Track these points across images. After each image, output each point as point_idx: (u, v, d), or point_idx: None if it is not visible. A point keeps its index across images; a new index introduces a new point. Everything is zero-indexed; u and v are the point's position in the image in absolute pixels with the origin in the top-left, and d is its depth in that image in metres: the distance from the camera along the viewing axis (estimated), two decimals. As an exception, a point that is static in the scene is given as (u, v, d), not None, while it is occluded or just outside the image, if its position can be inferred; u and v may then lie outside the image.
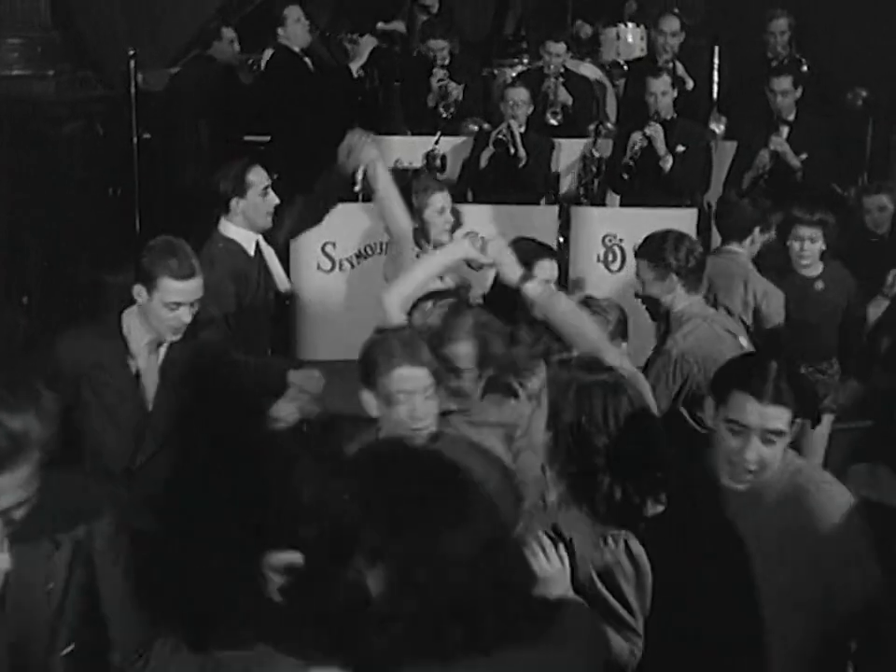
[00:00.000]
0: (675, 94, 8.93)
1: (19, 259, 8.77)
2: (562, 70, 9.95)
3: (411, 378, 3.87)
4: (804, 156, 8.39)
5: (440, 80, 9.99)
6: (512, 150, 8.84)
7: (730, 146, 9.56)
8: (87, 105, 9.92)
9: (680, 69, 9.77)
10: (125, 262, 9.08)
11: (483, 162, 8.99)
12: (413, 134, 10.01)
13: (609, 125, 10.03)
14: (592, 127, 10.03)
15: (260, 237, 5.91)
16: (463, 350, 4.27)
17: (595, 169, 9.39)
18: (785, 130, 8.47)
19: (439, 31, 10.43)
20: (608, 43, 10.93)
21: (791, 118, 8.50)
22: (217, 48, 10.10)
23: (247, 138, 10.00)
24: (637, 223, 8.35)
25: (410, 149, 9.86)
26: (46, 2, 9.65)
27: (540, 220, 8.56)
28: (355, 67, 9.09)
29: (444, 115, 9.93)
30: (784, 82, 8.58)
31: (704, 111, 10.00)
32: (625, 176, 8.76)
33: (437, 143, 9.39)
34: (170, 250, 4.72)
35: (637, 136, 8.72)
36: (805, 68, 9.38)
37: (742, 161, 8.66)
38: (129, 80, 9.04)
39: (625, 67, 9.89)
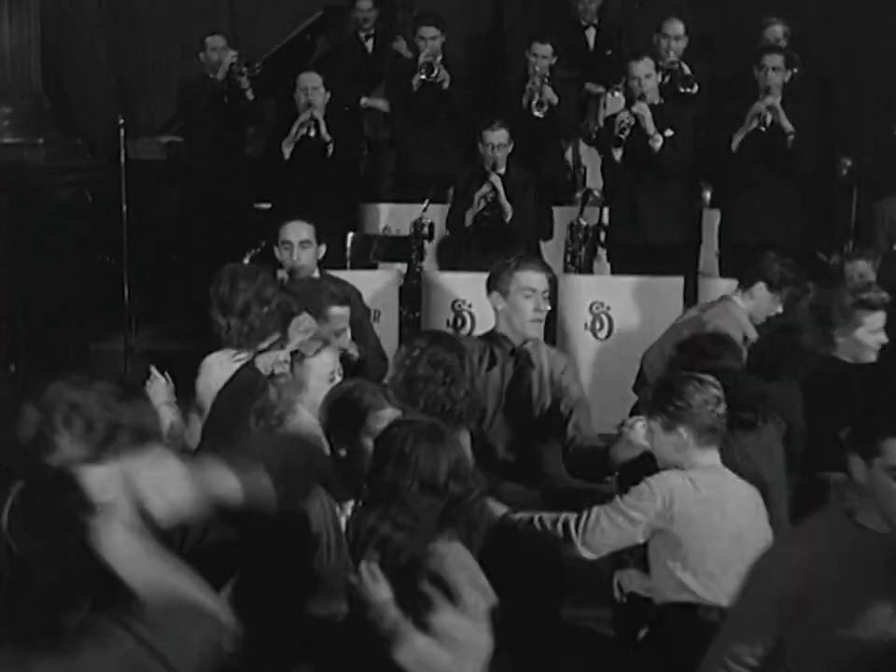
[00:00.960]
0: (660, 79, 9.05)
1: (5, 326, 8.76)
2: (547, 73, 9.94)
3: None
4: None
5: (426, 56, 9.99)
6: (497, 206, 8.83)
7: (717, 213, 9.62)
8: (76, 173, 9.96)
9: (686, 70, 9.84)
10: (113, 330, 9.18)
11: (468, 221, 8.94)
12: (401, 202, 10.05)
13: (596, 193, 10.06)
14: (579, 195, 10.07)
15: None
16: None
17: (582, 237, 9.42)
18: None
19: (430, 18, 10.37)
20: (592, 111, 10.98)
21: (779, 99, 8.63)
22: None
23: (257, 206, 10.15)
24: (625, 291, 8.40)
25: (397, 217, 9.91)
26: (36, 70, 9.71)
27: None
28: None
29: (427, 77, 9.95)
30: (776, 59, 8.71)
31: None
32: (615, 155, 8.78)
33: (425, 210, 9.41)
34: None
35: (623, 115, 8.76)
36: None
37: (732, 124, 8.77)
38: (118, 149, 9.06)
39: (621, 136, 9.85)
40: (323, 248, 6.89)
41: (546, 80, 9.85)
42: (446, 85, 10.03)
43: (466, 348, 5.51)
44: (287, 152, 9.03)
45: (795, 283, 6.72)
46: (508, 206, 8.84)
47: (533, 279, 6.01)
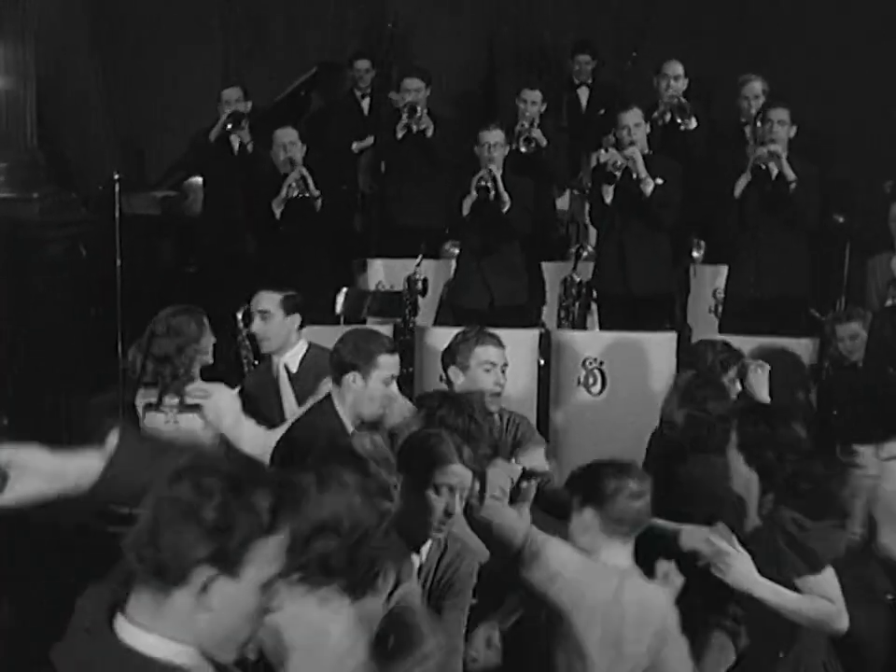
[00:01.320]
0: (648, 129, 9.03)
1: (-1, 379, 8.76)
2: (536, 119, 10.03)
3: None
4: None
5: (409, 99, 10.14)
6: (494, 194, 8.81)
7: (710, 269, 9.65)
8: (70, 227, 9.99)
9: (685, 102, 9.88)
10: (107, 384, 9.16)
11: (466, 210, 8.91)
12: (394, 258, 10.07)
13: (589, 248, 10.10)
14: (572, 250, 10.11)
15: None
16: None
17: (575, 293, 9.44)
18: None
19: (415, 71, 10.58)
20: (586, 168, 11.04)
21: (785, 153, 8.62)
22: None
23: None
24: (618, 347, 8.40)
25: (391, 273, 9.93)
26: (32, 125, 9.76)
27: (520, 343, 8.58)
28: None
29: (409, 119, 10.08)
30: (781, 113, 8.73)
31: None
32: (605, 197, 8.79)
33: (419, 265, 9.45)
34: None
35: (616, 155, 8.78)
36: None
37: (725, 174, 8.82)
38: (113, 203, 9.08)
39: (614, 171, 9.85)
40: (297, 318, 6.78)
41: (534, 124, 9.91)
42: (430, 133, 10.13)
43: (476, 408, 5.47)
44: (277, 212, 9.06)
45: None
46: (506, 195, 8.83)
47: (492, 353, 6.08)
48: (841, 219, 9.75)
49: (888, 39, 10.78)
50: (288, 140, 9.15)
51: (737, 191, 8.65)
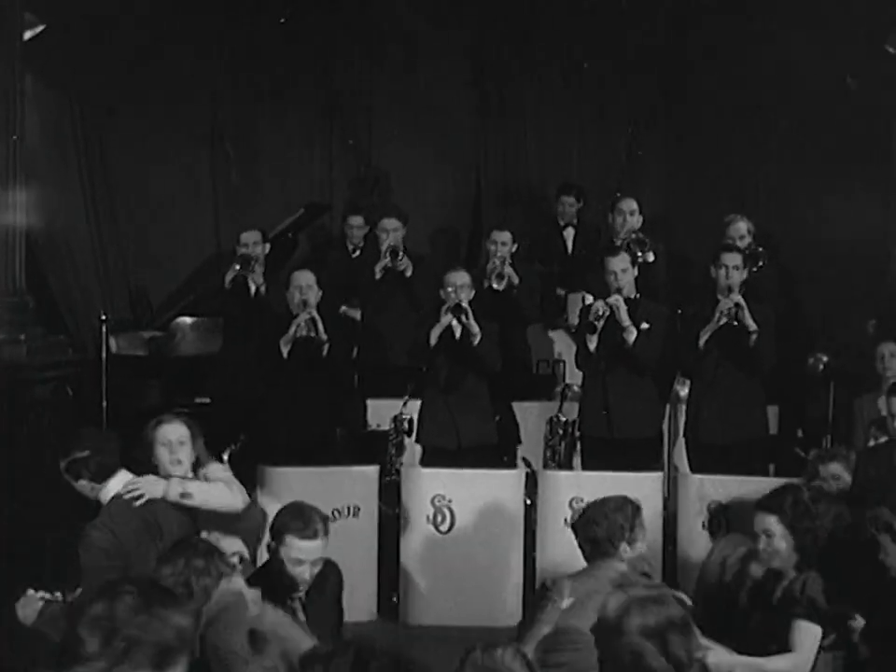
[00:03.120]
0: (636, 273, 9.05)
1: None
2: (507, 259, 10.05)
3: None
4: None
5: (391, 243, 10.23)
6: (464, 323, 8.82)
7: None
8: (57, 369, 10.01)
9: (642, 237, 9.96)
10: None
11: (434, 339, 8.86)
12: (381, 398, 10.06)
13: (575, 388, 10.11)
14: (558, 390, 10.13)
15: None
16: None
17: (561, 432, 9.44)
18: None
19: (393, 211, 10.69)
20: (573, 307, 11.09)
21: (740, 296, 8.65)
22: None
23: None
24: (605, 486, 8.36)
25: (378, 413, 9.92)
26: (20, 267, 9.81)
27: (505, 484, 8.57)
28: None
29: (392, 262, 10.14)
30: (735, 258, 8.79)
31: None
32: (589, 342, 8.79)
33: (405, 405, 9.45)
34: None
35: (599, 304, 8.78)
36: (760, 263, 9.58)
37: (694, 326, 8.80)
38: (100, 344, 9.12)
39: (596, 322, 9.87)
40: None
41: (506, 263, 9.98)
42: (409, 273, 10.20)
43: None
44: (285, 351, 9.07)
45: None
46: (476, 327, 8.82)
47: None
48: (825, 358, 9.80)
49: (866, 177, 10.93)
50: (305, 283, 9.17)
51: (701, 342, 8.71)
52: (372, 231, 10.89)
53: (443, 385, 9.06)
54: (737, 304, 8.58)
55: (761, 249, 9.70)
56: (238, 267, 10.11)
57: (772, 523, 5.84)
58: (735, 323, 8.58)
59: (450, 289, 8.93)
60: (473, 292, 9.07)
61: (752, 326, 8.56)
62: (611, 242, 10.10)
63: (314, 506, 5.70)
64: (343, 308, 10.70)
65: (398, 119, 13.07)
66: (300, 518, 5.58)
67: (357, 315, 10.74)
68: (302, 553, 5.52)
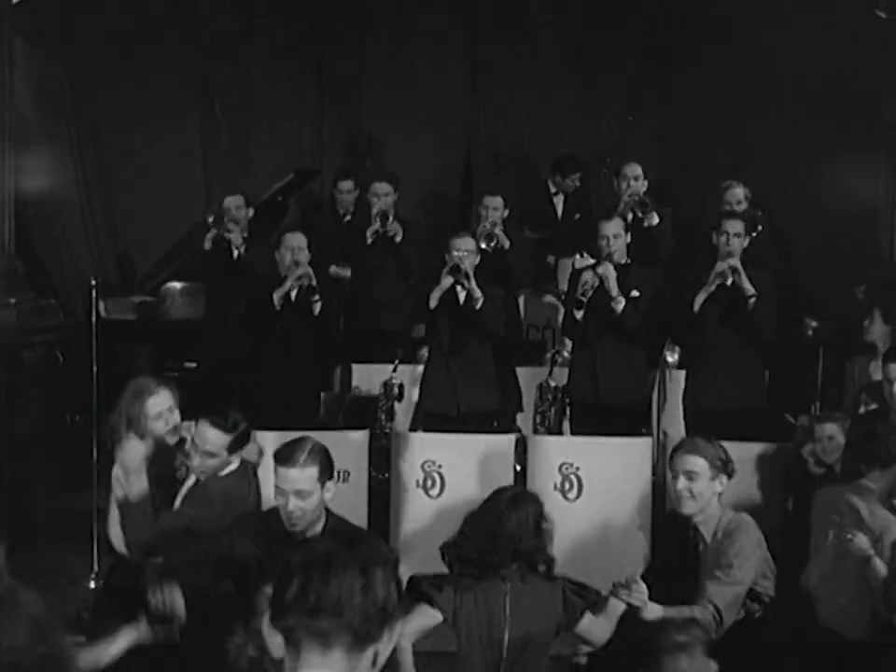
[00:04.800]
0: (629, 239, 9.06)
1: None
2: (498, 223, 9.99)
3: None
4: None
5: (381, 207, 10.18)
6: (465, 294, 8.79)
7: (684, 374, 9.68)
8: (47, 333, 10.01)
9: (648, 201, 9.98)
10: (82, 489, 9.13)
11: (434, 302, 8.80)
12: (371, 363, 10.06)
13: (565, 353, 10.11)
14: (548, 356, 10.12)
15: None
16: None
17: (551, 398, 9.46)
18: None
19: (384, 175, 10.66)
20: (564, 273, 11.09)
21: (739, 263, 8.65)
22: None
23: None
24: (594, 451, 8.41)
25: (367, 377, 9.93)
26: (9, 231, 9.80)
27: (495, 449, 8.58)
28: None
29: (382, 226, 10.08)
30: (736, 225, 8.79)
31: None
32: (577, 314, 8.81)
33: (394, 371, 9.47)
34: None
35: (588, 275, 8.81)
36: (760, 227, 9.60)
37: (693, 285, 8.79)
38: (90, 309, 9.09)
39: (583, 298, 9.87)
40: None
41: (496, 226, 9.95)
42: (399, 238, 10.17)
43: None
44: (278, 302, 9.04)
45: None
46: (478, 292, 8.76)
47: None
48: (814, 324, 9.81)
49: (858, 145, 10.93)
50: (297, 244, 9.16)
51: (696, 306, 8.70)
52: (363, 196, 10.85)
53: (446, 349, 9.04)
54: (733, 268, 8.58)
55: (760, 213, 9.70)
56: (211, 221, 10.10)
57: None
58: (730, 284, 8.58)
59: (455, 254, 8.87)
60: (479, 258, 9.03)
61: (750, 290, 8.55)
62: (611, 207, 10.07)
63: (314, 440, 5.53)
64: (333, 268, 10.67)
65: (389, 86, 13.01)
66: (286, 446, 5.48)
67: (346, 273, 10.71)
68: (279, 480, 5.38)
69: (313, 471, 5.36)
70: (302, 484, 5.34)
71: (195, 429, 6.10)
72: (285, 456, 5.40)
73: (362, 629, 2.77)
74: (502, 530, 5.37)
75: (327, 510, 5.51)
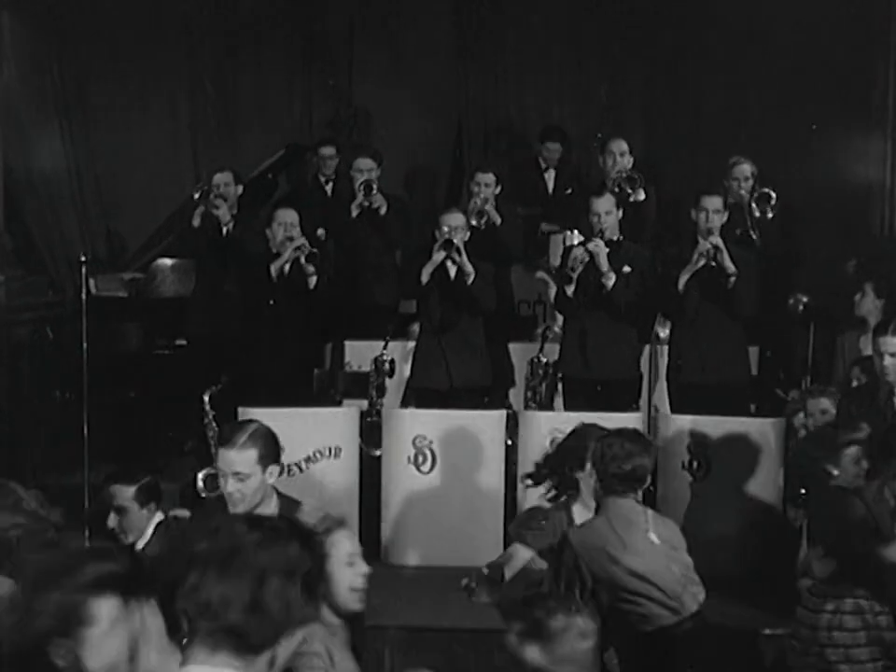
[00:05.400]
0: (621, 215, 9.05)
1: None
2: (490, 200, 9.95)
3: None
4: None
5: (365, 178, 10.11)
6: (456, 269, 8.82)
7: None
8: (37, 310, 9.98)
9: (637, 176, 9.95)
10: (72, 467, 9.12)
11: (425, 277, 8.87)
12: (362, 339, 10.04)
13: (556, 329, 10.11)
14: (539, 331, 10.11)
15: None
16: None
17: (542, 373, 9.45)
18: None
19: (367, 151, 10.59)
20: (555, 248, 11.07)
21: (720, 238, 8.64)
22: None
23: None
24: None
25: (359, 354, 9.91)
26: (-2, 209, 9.79)
27: (486, 425, 8.57)
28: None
29: (365, 196, 10.02)
30: (715, 201, 8.76)
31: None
32: (567, 291, 8.82)
33: (385, 347, 9.46)
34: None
35: (578, 251, 8.82)
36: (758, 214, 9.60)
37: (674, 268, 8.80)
38: (80, 286, 9.06)
39: (571, 273, 9.83)
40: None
41: (487, 203, 9.91)
42: (383, 211, 10.12)
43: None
44: (274, 274, 8.99)
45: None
46: (469, 267, 8.82)
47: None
48: (805, 299, 9.80)
49: (854, 119, 10.91)
50: (290, 221, 9.14)
51: (681, 284, 8.69)
52: (345, 163, 10.82)
53: (437, 325, 9.05)
54: (716, 246, 8.57)
55: (766, 191, 9.67)
56: (197, 196, 10.06)
57: None
58: (714, 265, 8.58)
59: (445, 229, 8.89)
60: (469, 234, 9.05)
61: (731, 268, 8.56)
62: (602, 183, 10.04)
63: (259, 423, 5.48)
64: (321, 231, 10.62)
65: (377, 60, 12.96)
66: (228, 428, 5.53)
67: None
68: (219, 461, 5.38)
69: (252, 454, 5.33)
70: (240, 467, 5.31)
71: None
72: (225, 438, 5.40)
73: (250, 637, 2.74)
74: None
75: (278, 492, 5.50)
